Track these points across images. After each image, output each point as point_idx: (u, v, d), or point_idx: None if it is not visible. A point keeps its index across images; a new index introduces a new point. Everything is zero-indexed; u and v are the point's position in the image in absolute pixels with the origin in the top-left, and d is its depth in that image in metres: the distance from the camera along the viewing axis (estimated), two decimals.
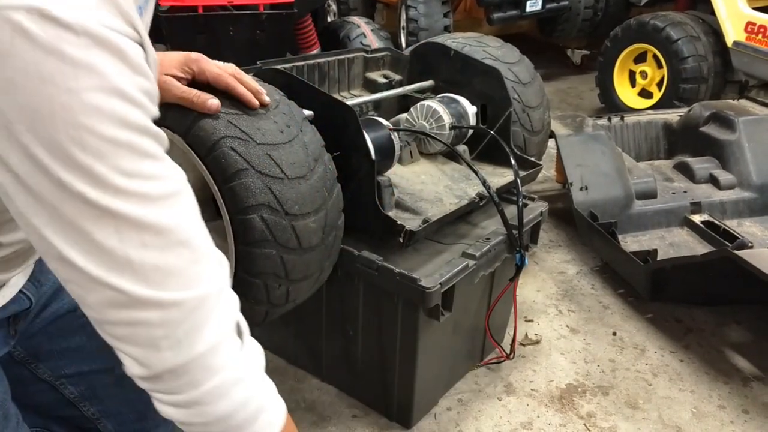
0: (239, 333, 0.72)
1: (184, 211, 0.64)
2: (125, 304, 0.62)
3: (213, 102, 1.16)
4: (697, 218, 2.54)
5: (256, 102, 1.22)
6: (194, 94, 1.15)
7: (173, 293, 0.63)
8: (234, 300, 0.72)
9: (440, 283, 1.50)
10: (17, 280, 0.93)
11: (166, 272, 0.63)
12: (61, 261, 0.60)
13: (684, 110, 3.06)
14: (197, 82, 1.16)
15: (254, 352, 0.74)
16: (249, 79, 1.23)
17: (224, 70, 1.18)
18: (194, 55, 1.15)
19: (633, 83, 4.13)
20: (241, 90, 1.19)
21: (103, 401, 1.11)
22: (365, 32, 3.61)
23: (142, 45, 0.60)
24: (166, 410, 0.69)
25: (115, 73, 0.56)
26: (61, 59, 0.52)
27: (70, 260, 0.60)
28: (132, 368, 0.67)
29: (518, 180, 1.70)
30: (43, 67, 0.52)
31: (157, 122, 0.62)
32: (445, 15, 4.49)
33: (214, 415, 0.69)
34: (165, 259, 0.62)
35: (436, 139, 1.80)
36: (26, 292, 0.95)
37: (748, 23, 3.54)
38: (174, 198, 0.63)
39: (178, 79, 1.13)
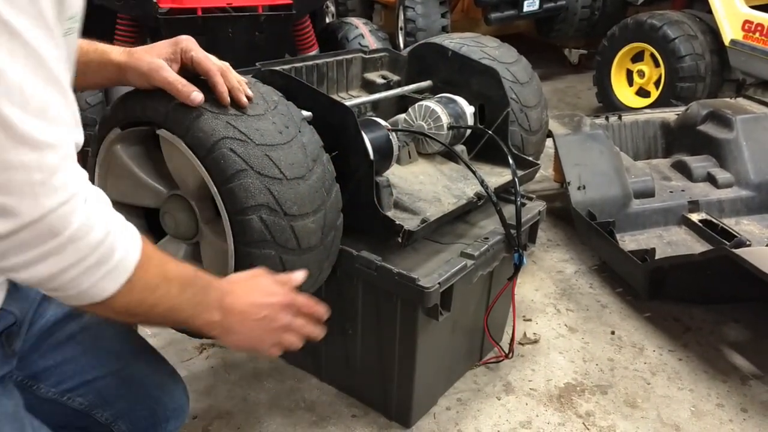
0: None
1: None
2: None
3: (197, 95, 1.15)
4: (695, 217, 2.54)
5: (227, 98, 1.19)
6: (182, 83, 1.14)
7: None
8: None
9: (439, 283, 1.50)
10: None
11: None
12: None
13: (681, 109, 3.07)
14: (185, 67, 1.17)
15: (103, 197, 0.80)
16: (234, 77, 1.21)
17: (210, 58, 1.18)
18: (184, 38, 1.16)
19: (630, 82, 4.14)
20: (217, 80, 1.17)
21: (114, 405, 1.10)
22: (363, 33, 3.61)
23: None
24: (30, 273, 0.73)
25: None
26: None
27: None
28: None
29: (516, 179, 1.71)
30: None
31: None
32: (443, 15, 4.50)
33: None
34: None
35: (434, 139, 1.80)
36: (8, 308, 0.93)
37: (746, 21, 3.55)
38: None
39: (169, 63, 1.14)
